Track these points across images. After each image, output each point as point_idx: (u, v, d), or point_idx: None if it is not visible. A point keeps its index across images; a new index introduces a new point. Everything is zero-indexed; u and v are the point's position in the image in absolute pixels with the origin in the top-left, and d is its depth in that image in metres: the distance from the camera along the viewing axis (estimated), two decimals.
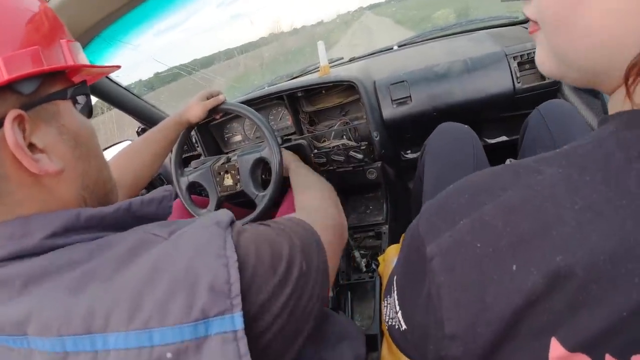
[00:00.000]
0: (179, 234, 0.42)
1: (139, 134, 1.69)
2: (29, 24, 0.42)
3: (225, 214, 0.45)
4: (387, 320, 0.51)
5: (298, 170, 1.09)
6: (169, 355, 0.35)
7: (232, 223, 0.45)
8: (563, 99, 1.25)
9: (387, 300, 0.52)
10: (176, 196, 1.67)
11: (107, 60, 1.23)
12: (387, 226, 1.41)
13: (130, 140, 1.62)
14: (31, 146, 0.40)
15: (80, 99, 0.48)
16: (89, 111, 0.50)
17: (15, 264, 0.39)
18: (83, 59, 0.48)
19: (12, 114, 0.37)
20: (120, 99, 1.41)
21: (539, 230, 0.29)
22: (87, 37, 1.06)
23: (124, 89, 1.41)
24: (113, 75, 1.34)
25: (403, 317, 0.44)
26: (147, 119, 1.57)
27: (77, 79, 0.49)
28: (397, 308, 0.45)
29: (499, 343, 0.30)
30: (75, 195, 0.45)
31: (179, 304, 0.36)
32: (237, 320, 0.37)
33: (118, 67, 0.56)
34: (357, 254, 1.36)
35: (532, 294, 0.28)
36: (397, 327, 0.46)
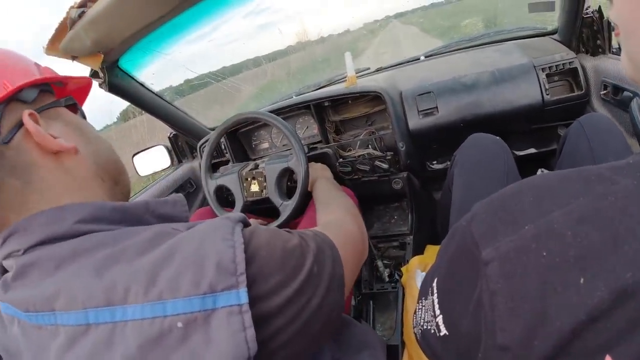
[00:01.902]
0: (194, 227, 0.47)
1: (170, 139, 1.74)
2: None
3: (238, 215, 0.49)
4: (420, 323, 0.49)
5: (322, 186, 1.10)
6: (179, 324, 0.39)
7: (244, 221, 0.49)
8: (592, 112, 1.22)
9: (421, 303, 0.50)
10: (200, 204, 1.71)
11: (141, 68, 1.30)
12: (411, 237, 1.40)
13: (162, 145, 1.67)
14: None
15: (74, 108, 0.58)
16: (82, 117, 0.60)
17: (46, 247, 0.45)
18: (53, 73, 0.57)
19: (26, 112, 0.48)
20: (152, 105, 1.46)
21: (610, 243, 0.28)
22: (124, 46, 1.12)
23: (156, 94, 1.45)
24: (146, 82, 1.39)
25: (444, 322, 0.42)
26: (178, 125, 1.62)
27: (65, 93, 0.59)
28: (437, 312, 0.43)
29: (551, 358, 0.29)
30: (93, 174, 0.54)
31: (189, 279, 0.40)
32: (242, 295, 0.40)
33: (89, 78, 0.64)
34: (380, 263, 1.36)
35: (596, 310, 0.27)
36: (433, 331, 0.44)
